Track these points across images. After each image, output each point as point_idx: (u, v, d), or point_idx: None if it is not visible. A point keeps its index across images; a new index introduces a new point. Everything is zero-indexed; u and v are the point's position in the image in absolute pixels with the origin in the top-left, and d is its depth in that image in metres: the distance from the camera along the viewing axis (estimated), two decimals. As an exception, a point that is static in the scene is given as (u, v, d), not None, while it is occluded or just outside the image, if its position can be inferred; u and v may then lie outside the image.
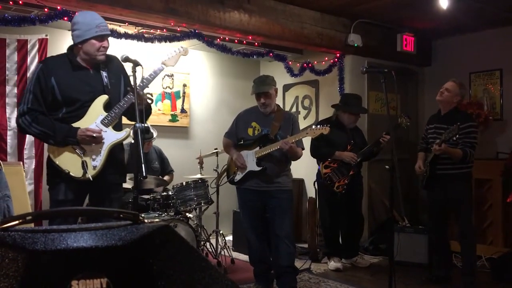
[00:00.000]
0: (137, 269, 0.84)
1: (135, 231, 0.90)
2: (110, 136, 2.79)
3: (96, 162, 2.75)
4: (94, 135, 2.71)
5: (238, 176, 3.83)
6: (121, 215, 0.96)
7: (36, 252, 0.77)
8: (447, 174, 4.11)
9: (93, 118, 2.77)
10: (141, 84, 2.85)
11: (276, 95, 3.90)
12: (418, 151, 4.51)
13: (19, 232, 0.82)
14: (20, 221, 0.85)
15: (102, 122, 2.77)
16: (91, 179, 2.71)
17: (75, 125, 2.74)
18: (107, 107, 2.81)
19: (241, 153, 3.82)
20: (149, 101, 2.97)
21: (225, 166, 4.28)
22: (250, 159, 3.77)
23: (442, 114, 4.26)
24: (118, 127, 2.88)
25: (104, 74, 2.86)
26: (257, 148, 3.76)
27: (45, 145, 4.72)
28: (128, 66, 2.83)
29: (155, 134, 4.98)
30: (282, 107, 6.27)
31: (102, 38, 2.78)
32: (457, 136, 3.89)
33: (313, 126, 3.73)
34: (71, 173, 2.71)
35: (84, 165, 2.71)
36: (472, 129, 4.05)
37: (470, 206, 4.26)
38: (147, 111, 2.96)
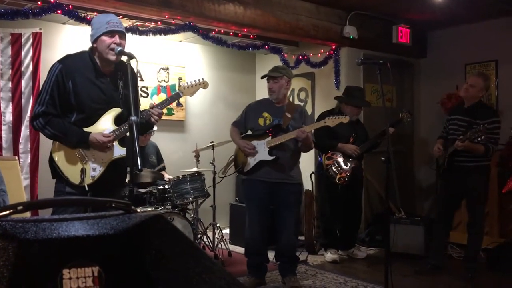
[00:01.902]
0: (129, 258, 0.84)
1: (127, 220, 0.90)
2: (115, 151, 2.78)
3: (95, 172, 2.75)
4: (109, 145, 2.72)
5: (248, 166, 3.83)
6: (113, 205, 0.95)
7: (27, 241, 0.77)
8: (466, 167, 4.11)
9: (102, 129, 2.75)
10: (158, 107, 2.88)
11: (288, 87, 3.92)
12: (438, 138, 4.52)
13: (10, 222, 0.81)
14: (11, 211, 0.84)
15: None
16: (86, 188, 2.71)
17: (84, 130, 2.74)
18: (117, 120, 2.79)
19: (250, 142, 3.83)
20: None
21: (232, 156, 4.26)
22: (261, 148, 3.78)
23: (466, 106, 4.25)
24: (122, 141, 2.85)
25: (120, 83, 2.81)
26: (269, 138, 3.77)
27: (41, 141, 4.72)
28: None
29: (154, 128, 4.95)
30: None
31: (112, 34, 2.70)
32: (483, 137, 3.87)
33: (332, 116, 3.78)
34: (70, 180, 2.71)
35: (82, 173, 2.71)
36: (495, 125, 4.04)
37: (485, 199, 4.31)
38: (150, 126, 2.98)
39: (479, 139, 3.86)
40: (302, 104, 6.41)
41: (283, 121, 3.79)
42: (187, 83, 3.07)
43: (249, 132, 3.95)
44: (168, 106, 5.93)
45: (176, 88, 6.12)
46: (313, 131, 4.62)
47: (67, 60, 2.76)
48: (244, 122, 3.99)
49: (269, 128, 3.81)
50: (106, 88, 2.78)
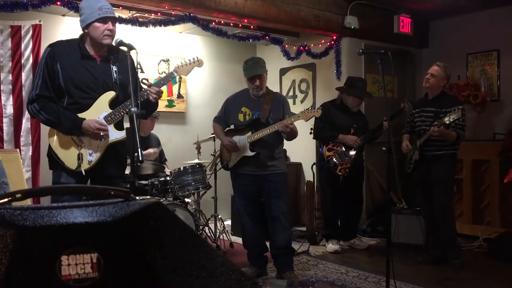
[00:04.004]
0: (128, 245, 0.84)
1: (126, 207, 0.89)
2: (111, 134, 2.77)
3: (92, 157, 2.75)
4: (102, 133, 2.70)
5: (232, 162, 3.83)
6: (112, 193, 0.95)
7: (25, 228, 0.77)
8: (434, 155, 4.16)
9: (97, 113, 2.75)
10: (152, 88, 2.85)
11: (267, 77, 3.89)
12: (403, 133, 4.56)
13: (8, 209, 0.81)
14: (10, 198, 0.84)
15: (105, 118, 2.75)
16: (83, 173, 2.71)
17: (79, 115, 2.73)
18: (112, 103, 2.78)
19: (233, 138, 3.81)
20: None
21: (218, 152, 4.27)
22: (243, 144, 3.75)
23: (429, 98, 4.30)
24: (119, 125, 2.86)
25: (114, 68, 2.80)
26: (249, 133, 3.75)
27: (42, 133, 4.72)
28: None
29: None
30: (279, 91, 6.28)
31: (105, 20, 2.71)
32: (462, 118, 3.88)
33: (305, 109, 3.71)
34: (65, 164, 2.72)
35: (79, 158, 2.71)
36: (462, 112, 4.04)
37: (451, 186, 4.33)
38: (154, 105, 2.96)
39: (457, 121, 3.90)
40: (303, 95, 6.40)
41: (262, 115, 3.75)
42: (182, 62, 3.03)
43: (232, 126, 3.92)
44: (169, 98, 5.99)
45: (177, 80, 6.11)
46: (314, 121, 4.63)
47: (56, 44, 2.81)
48: (224, 117, 3.95)
49: (249, 123, 3.78)
50: (97, 72, 2.77)
